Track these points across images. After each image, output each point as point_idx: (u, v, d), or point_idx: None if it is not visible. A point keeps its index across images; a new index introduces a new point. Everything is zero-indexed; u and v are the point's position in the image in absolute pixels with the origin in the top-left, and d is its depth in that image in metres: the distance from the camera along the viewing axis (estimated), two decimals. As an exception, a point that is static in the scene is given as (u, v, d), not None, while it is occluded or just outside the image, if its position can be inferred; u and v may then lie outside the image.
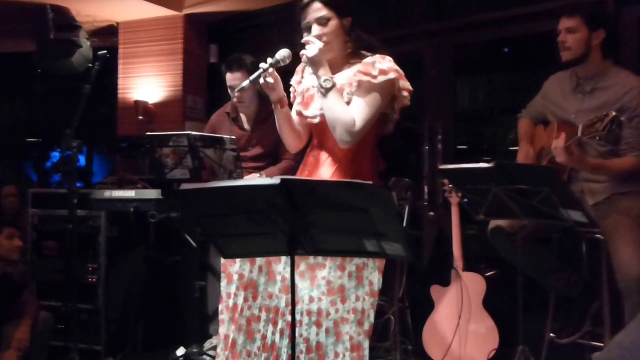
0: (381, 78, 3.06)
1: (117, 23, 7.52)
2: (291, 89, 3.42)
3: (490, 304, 4.36)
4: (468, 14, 5.86)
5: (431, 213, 5.80)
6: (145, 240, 5.18)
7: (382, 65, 3.08)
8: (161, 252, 5.28)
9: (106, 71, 6.85)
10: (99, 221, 5.19)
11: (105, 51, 4.21)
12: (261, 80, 3.12)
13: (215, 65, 7.44)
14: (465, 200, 3.61)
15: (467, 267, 4.48)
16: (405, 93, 3.15)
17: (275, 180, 2.32)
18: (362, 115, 3.05)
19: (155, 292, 5.21)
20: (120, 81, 7.52)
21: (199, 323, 4.83)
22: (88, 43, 7.06)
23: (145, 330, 5.03)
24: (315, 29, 3.14)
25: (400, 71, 3.14)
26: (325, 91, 3.05)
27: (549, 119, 4.15)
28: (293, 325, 2.57)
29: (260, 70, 3.10)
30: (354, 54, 3.21)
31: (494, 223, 4.02)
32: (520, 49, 6.31)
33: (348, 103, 3.09)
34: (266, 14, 6.92)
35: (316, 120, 3.19)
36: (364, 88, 3.07)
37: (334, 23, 3.15)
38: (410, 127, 4.00)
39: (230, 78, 4.85)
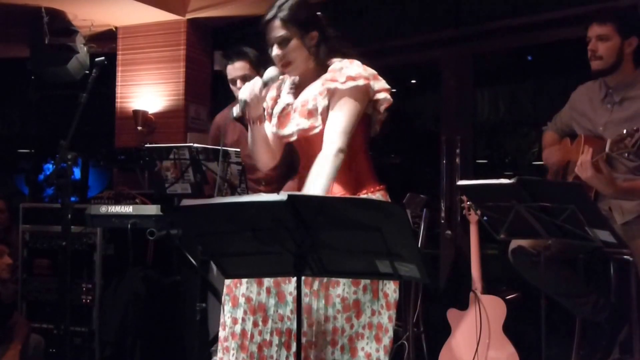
0: (349, 84, 3.05)
1: (116, 28, 7.53)
2: (265, 105, 3.35)
3: (511, 329, 4.35)
4: (489, 21, 5.84)
5: (448, 232, 5.78)
6: (143, 259, 5.19)
7: (349, 72, 3.07)
8: (160, 271, 5.28)
9: (104, 79, 6.86)
10: (94, 238, 5.20)
11: (103, 58, 4.22)
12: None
13: (219, 73, 7.46)
14: (485, 218, 3.59)
15: (487, 290, 4.47)
16: (383, 94, 3.13)
17: (282, 196, 2.31)
18: (340, 129, 3.04)
19: (154, 314, 5.21)
20: (118, 89, 7.53)
21: (200, 347, 4.82)
22: (85, 49, 7.09)
23: (142, 355, 5.03)
24: (275, 49, 3.14)
25: (370, 74, 3.11)
26: None
27: (576, 131, 4.14)
28: (299, 352, 2.57)
29: (252, 96, 3.11)
30: (322, 66, 3.20)
31: (515, 243, 4.01)
32: (545, 57, 6.31)
33: (322, 114, 3.08)
34: (274, 19, 6.91)
35: (293, 138, 3.19)
36: (337, 96, 3.06)
37: (294, 42, 3.13)
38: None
39: (232, 69, 4.78)
